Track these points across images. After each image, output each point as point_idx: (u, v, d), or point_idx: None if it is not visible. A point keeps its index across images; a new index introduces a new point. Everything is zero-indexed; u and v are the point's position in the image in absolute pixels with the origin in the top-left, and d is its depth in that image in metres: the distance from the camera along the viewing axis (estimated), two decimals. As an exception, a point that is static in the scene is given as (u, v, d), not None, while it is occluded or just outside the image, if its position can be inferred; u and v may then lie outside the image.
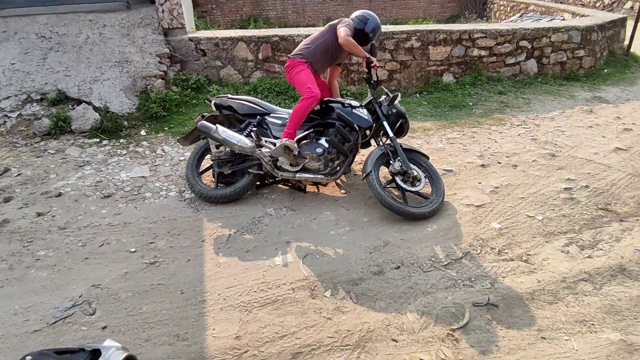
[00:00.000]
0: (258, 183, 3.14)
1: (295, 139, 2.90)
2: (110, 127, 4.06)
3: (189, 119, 4.32)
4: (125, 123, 4.19)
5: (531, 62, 5.91)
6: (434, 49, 5.45)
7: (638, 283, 2.25)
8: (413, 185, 2.86)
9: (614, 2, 14.18)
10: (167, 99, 4.42)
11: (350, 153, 3.00)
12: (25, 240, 2.63)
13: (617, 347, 1.84)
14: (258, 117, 3.10)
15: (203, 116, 3.12)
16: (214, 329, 1.99)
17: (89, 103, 4.26)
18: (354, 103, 3.08)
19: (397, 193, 2.99)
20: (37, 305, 2.13)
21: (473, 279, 2.32)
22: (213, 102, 3.19)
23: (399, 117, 3.03)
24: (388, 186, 2.95)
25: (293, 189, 3.17)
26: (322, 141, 2.96)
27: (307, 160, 2.91)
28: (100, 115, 4.15)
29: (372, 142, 3.20)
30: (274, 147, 2.89)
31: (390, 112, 3.01)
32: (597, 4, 14.82)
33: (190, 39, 5.11)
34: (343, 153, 2.95)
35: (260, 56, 5.15)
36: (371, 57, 2.91)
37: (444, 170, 3.44)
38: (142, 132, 4.13)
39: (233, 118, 3.17)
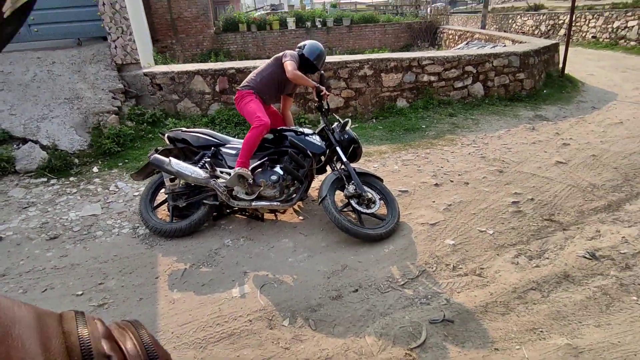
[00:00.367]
0: (215, 214, 3.10)
1: (249, 168, 2.91)
2: (59, 166, 3.91)
3: (145, 154, 4.24)
4: (76, 160, 4.05)
5: (477, 85, 6.30)
6: (386, 76, 5.70)
7: (581, 288, 2.37)
8: (368, 207, 2.91)
9: (549, 30, 15.52)
10: (121, 134, 4.34)
11: (305, 179, 3.03)
12: (-41, 291, 2.44)
13: (564, 352, 1.91)
14: (212, 148, 3.10)
15: (157, 150, 3.07)
16: (165, 371, 1.89)
17: (36, 142, 4.10)
18: (307, 130, 3.15)
19: (353, 216, 3.03)
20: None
21: (429, 296, 2.35)
22: (166, 135, 3.16)
23: (351, 143, 3.12)
24: (344, 210, 3.00)
25: (250, 219, 3.14)
26: (277, 169, 2.99)
27: (262, 188, 2.91)
28: (48, 153, 3.99)
29: (328, 168, 3.26)
30: (229, 177, 2.88)
31: (342, 138, 3.09)
32: (536, 32, 16.18)
33: (146, 74, 5.09)
34: (298, 179, 2.98)
35: (217, 88, 5.19)
36: (320, 86, 3.00)
37: (399, 191, 3.54)
38: (95, 169, 4.01)
39: (188, 151, 3.14)
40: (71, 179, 3.85)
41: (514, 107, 6.10)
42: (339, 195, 3.10)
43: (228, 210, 3.14)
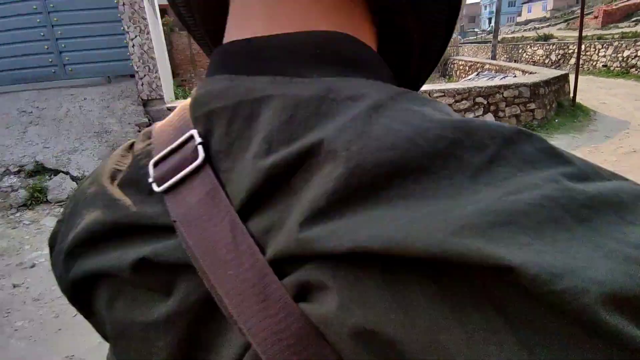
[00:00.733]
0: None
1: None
2: (87, 196, 4.13)
3: (167, 184, 4.45)
4: (103, 190, 4.28)
5: (489, 116, 6.43)
6: (398, 108, 5.89)
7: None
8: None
9: (560, 59, 15.74)
10: (145, 165, 4.58)
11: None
12: (4, 311, 2.61)
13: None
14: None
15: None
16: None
17: (67, 173, 4.36)
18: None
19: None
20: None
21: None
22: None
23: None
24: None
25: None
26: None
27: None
28: (77, 184, 4.23)
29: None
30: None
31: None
32: (546, 61, 16.40)
33: (169, 109, 5.38)
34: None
35: (236, 121, 5.44)
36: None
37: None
38: (120, 199, 4.22)
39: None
40: (98, 208, 4.05)
41: (525, 136, 6.18)
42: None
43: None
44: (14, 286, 2.85)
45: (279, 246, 0.20)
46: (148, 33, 5.24)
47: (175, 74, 13.59)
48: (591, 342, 0.14)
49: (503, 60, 17.09)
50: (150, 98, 5.41)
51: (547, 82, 7.04)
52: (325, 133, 0.21)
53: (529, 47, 17.86)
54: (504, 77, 10.10)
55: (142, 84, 5.35)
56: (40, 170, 4.33)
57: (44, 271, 3.06)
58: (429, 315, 0.16)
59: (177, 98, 7.57)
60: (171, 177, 0.25)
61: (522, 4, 49.69)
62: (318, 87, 0.23)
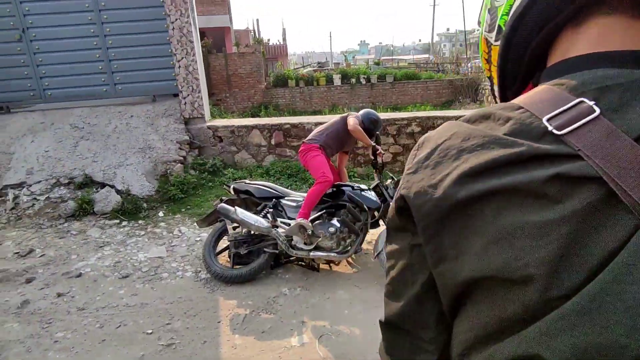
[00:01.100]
0: (272, 262, 3.25)
1: (309, 219, 3.07)
2: (130, 209, 4.28)
3: (205, 201, 4.56)
4: (145, 205, 4.42)
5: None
6: (433, 133, 5.87)
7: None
8: (423, 263, 2.94)
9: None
10: (185, 182, 4.72)
11: (360, 232, 3.14)
12: (44, 322, 2.68)
13: None
14: (274, 200, 3.31)
15: (222, 200, 3.34)
16: (231, 416, 1.95)
17: (112, 186, 4.55)
18: (363, 186, 3.31)
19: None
20: (53, 390, 2.13)
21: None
22: (232, 187, 3.43)
23: (405, 199, 3.23)
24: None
25: (306, 268, 3.26)
26: (334, 221, 3.13)
27: (320, 239, 3.05)
28: (122, 197, 4.40)
29: (381, 222, 3.36)
30: (289, 227, 3.06)
31: (396, 194, 3.21)
32: (582, 89, 16.01)
33: (209, 127, 5.58)
34: (354, 232, 3.10)
35: (272, 142, 5.57)
36: (376, 145, 3.20)
37: (452, 248, 3.54)
38: (160, 214, 4.34)
39: (250, 201, 3.38)
40: (140, 221, 4.19)
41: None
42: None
43: (285, 259, 3.28)
44: (58, 295, 2.95)
45: None
46: (194, 55, 5.50)
47: (210, 94, 14.10)
48: None
49: (537, 87, 16.76)
50: (191, 117, 5.62)
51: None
52: None
53: (564, 74, 17.51)
54: (540, 105, 9.89)
55: (185, 103, 5.58)
56: (88, 182, 4.55)
57: (89, 281, 3.16)
58: None
59: (212, 116, 7.81)
60: (569, 125, 0.37)
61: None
62: None
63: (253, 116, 13.37)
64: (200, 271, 3.28)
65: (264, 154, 5.60)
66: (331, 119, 3.60)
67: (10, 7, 5.37)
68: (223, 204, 3.19)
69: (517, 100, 0.45)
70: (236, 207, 3.13)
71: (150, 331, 2.59)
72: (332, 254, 3.06)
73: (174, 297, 2.96)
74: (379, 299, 2.42)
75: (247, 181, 3.52)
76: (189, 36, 5.43)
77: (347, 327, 2.57)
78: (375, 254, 2.96)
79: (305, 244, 3.06)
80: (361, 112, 3.45)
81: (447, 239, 0.41)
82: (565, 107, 0.39)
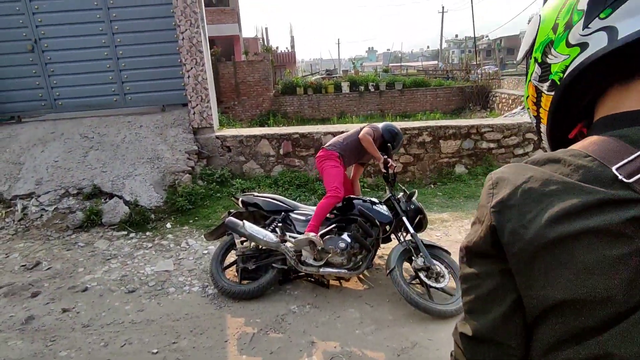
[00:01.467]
0: (281, 278, 3.16)
1: (318, 234, 2.99)
2: (137, 220, 4.24)
3: (213, 212, 4.50)
4: (153, 216, 4.38)
5: (539, 152, 6.12)
6: (444, 142, 5.77)
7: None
8: (437, 281, 2.84)
9: (610, 93, 15.07)
10: (193, 193, 4.67)
11: (372, 248, 3.05)
12: (48, 339, 2.62)
13: None
14: (282, 213, 3.24)
15: (230, 213, 3.27)
16: None
17: (121, 197, 4.52)
18: (374, 200, 3.22)
19: (420, 289, 2.96)
20: (55, 413, 2.06)
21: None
22: (240, 199, 3.37)
23: (417, 213, 3.14)
24: (412, 282, 2.94)
25: (316, 284, 3.17)
26: (345, 236, 3.04)
27: (330, 255, 2.96)
28: (130, 208, 4.37)
29: (393, 237, 3.27)
30: (295, 240, 2.98)
31: (408, 208, 3.12)
32: (595, 96, 15.75)
33: (217, 137, 5.55)
34: (365, 247, 3.01)
35: (281, 151, 5.51)
36: (388, 158, 3.13)
37: (466, 263, 3.42)
38: (168, 225, 4.30)
39: (258, 215, 3.31)
40: (147, 233, 4.14)
41: (581, 176, 5.84)
42: (405, 266, 3.06)
43: (294, 275, 3.19)
44: (64, 311, 2.90)
45: None
46: (203, 65, 5.49)
47: (219, 102, 14.16)
48: None
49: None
50: (200, 126, 5.60)
51: (603, 120, 6.68)
52: None
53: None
54: (552, 113, 9.72)
55: (194, 113, 5.56)
56: (97, 193, 4.53)
57: (95, 295, 3.11)
58: None
59: (221, 126, 7.79)
60: (636, 174, 0.46)
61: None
62: None
63: (261, 124, 13.39)
64: (207, 286, 3.21)
65: (272, 164, 5.54)
66: (350, 128, 3.56)
67: (23, 18, 5.43)
68: (231, 218, 3.12)
69: (581, 148, 0.53)
70: (244, 221, 3.07)
71: (155, 350, 2.51)
72: (343, 271, 2.96)
73: (180, 313, 2.89)
74: (391, 318, 2.32)
75: (256, 193, 3.46)
76: (198, 46, 5.42)
77: (358, 349, 2.47)
78: (388, 270, 2.86)
79: (314, 259, 2.98)
80: (382, 124, 3.44)
81: (537, 270, 0.50)
82: (630, 158, 0.47)
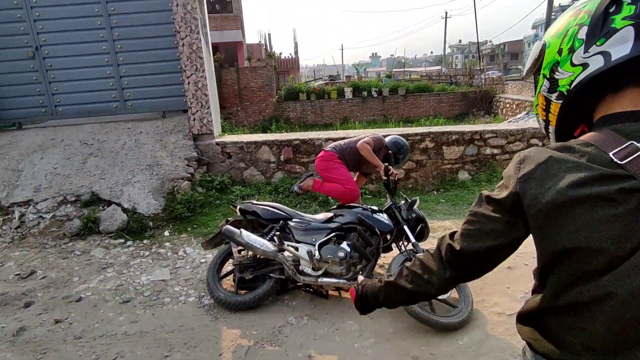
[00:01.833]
0: (279, 288, 3.08)
1: (317, 243, 2.92)
2: (135, 228, 4.18)
3: (212, 220, 4.44)
4: (150, 224, 4.32)
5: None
6: (447, 148, 5.68)
7: None
8: (439, 292, 2.75)
9: (616, 98, 14.93)
10: (192, 200, 4.61)
11: (372, 257, 2.96)
12: (39, 352, 2.55)
13: None
14: (281, 221, 3.17)
15: (227, 221, 3.20)
16: None
17: (119, 204, 4.47)
18: (374, 208, 3.14)
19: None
20: None
21: (516, 406, 2.08)
22: (238, 207, 3.30)
23: (418, 222, 3.05)
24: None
25: (314, 295, 3.08)
26: (344, 245, 2.96)
27: (329, 265, 2.88)
28: (127, 216, 4.31)
29: (393, 246, 3.18)
30: (296, 251, 2.90)
31: (409, 217, 3.04)
32: (600, 101, 15.61)
33: (217, 143, 5.50)
34: (365, 257, 2.92)
35: (282, 158, 5.45)
36: (388, 165, 3.05)
37: (470, 273, 3.33)
38: (166, 233, 4.23)
39: (256, 223, 3.24)
40: (145, 241, 4.08)
41: (587, 182, 5.73)
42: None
43: (292, 285, 3.11)
44: (56, 322, 2.83)
45: None
46: (203, 71, 5.46)
47: (222, 107, 14.17)
48: None
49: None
50: (200, 133, 5.56)
51: (609, 125, 6.57)
52: None
53: (581, 85, 17.10)
54: (557, 118, 9.61)
55: (194, 119, 5.52)
56: (95, 200, 4.48)
57: (89, 306, 3.05)
58: None
59: (223, 132, 7.76)
60: (626, 158, 0.65)
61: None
62: None
63: (264, 129, 13.36)
64: (203, 296, 3.14)
65: (273, 170, 5.48)
66: (352, 134, 3.53)
67: (25, 25, 5.43)
68: (228, 226, 3.05)
69: (586, 139, 0.73)
70: (242, 230, 2.99)
71: (148, 364, 2.44)
72: (342, 281, 2.88)
73: (175, 325, 2.81)
74: (391, 331, 2.23)
75: (254, 201, 3.39)
76: (198, 52, 5.40)
77: (357, 364, 2.38)
78: (388, 281, 2.77)
79: (313, 269, 2.90)
80: (390, 137, 3.45)
81: (550, 225, 0.70)
82: (622, 146, 0.67)
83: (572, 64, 0.76)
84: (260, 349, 2.54)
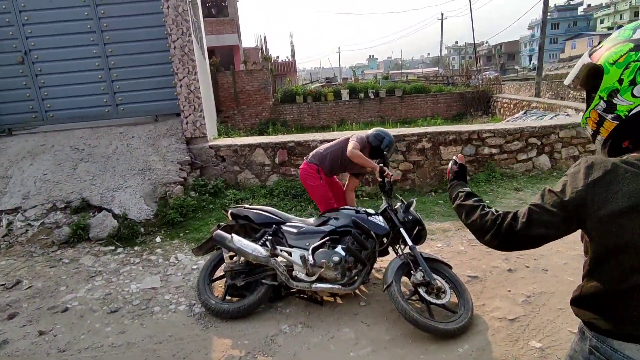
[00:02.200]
0: (272, 295, 2.98)
1: (311, 248, 2.83)
2: (126, 235, 4.08)
3: (205, 225, 4.34)
4: (142, 230, 4.22)
5: (543, 157, 5.97)
6: (445, 148, 5.60)
7: None
8: (438, 297, 2.65)
9: (613, 96, 14.87)
10: (184, 204, 4.51)
11: (368, 261, 2.87)
12: (21, 366, 2.45)
13: None
14: (274, 226, 3.07)
15: (219, 226, 3.11)
16: None
17: (109, 210, 4.36)
18: (370, 210, 3.05)
19: (419, 306, 2.77)
20: None
21: (519, 416, 1.98)
22: (230, 212, 3.21)
23: (415, 224, 2.95)
24: (411, 298, 2.75)
25: (309, 301, 2.98)
26: (339, 249, 2.86)
27: (323, 270, 2.78)
28: (118, 222, 4.21)
29: (390, 249, 3.08)
30: (289, 256, 2.81)
31: (406, 219, 2.94)
32: (598, 99, 15.54)
33: (211, 147, 5.40)
34: (361, 261, 2.83)
35: (276, 160, 5.36)
36: (383, 166, 2.96)
37: (468, 276, 3.23)
38: (157, 239, 4.13)
39: (249, 227, 3.14)
40: (136, 248, 3.98)
41: (587, 181, 5.64)
42: (404, 281, 2.87)
43: (285, 292, 3.01)
44: (40, 334, 2.72)
45: None
46: (195, 74, 5.37)
47: (219, 111, 14.08)
48: None
49: (548, 98, 16.36)
50: (193, 136, 5.47)
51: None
52: None
53: (578, 84, 17.04)
54: (555, 116, 9.55)
55: (187, 123, 5.43)
56: (85, 207, 4.37)
57: (75, 316, 2.94)
58: None
59: (219, 135, 7.67)
60: None
61: (566, 40, 48.76)
62: None
63: (261, 132, 13.27)
64: (194, 304, 3.03)
65: (267, 173, 5.38)
66: (338, 137, 3.43)
67: (13, 29, 5.34)
68: (219, 231, 2.95)
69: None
70: (233, 235, 2.90)
71: (134, 377, 2.33)
72: (337, 286, 2.78)
73: (164, 335, 2.71)
74: (388, 338, 2.11)
75: (247, 206, 3.29)
76: (190, 55, 5.31)
77: (352, 374, 2.28)
78: (385, 285, 2.67)
79: (307, 274, 2.79)
80: (372, 132, 3.31)
81: (611, 225, 0.87)
82: None
83: (633, 95, 0.90)
84: (251, 360, 2.43)
